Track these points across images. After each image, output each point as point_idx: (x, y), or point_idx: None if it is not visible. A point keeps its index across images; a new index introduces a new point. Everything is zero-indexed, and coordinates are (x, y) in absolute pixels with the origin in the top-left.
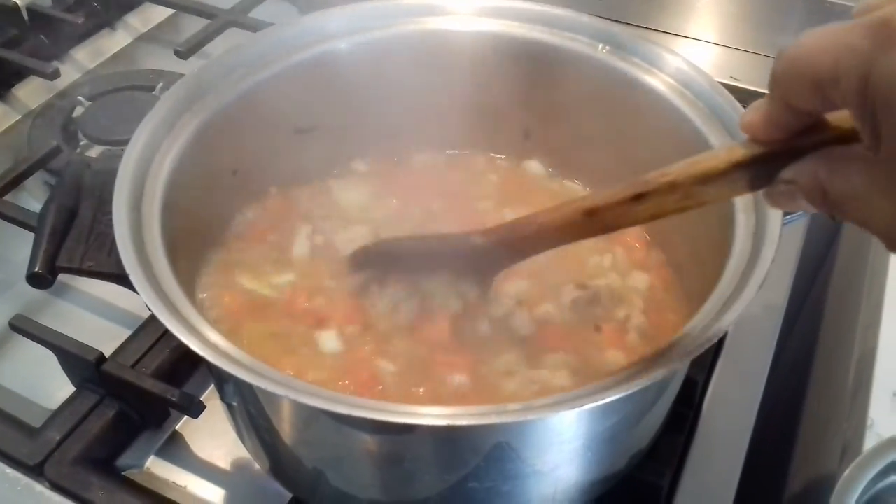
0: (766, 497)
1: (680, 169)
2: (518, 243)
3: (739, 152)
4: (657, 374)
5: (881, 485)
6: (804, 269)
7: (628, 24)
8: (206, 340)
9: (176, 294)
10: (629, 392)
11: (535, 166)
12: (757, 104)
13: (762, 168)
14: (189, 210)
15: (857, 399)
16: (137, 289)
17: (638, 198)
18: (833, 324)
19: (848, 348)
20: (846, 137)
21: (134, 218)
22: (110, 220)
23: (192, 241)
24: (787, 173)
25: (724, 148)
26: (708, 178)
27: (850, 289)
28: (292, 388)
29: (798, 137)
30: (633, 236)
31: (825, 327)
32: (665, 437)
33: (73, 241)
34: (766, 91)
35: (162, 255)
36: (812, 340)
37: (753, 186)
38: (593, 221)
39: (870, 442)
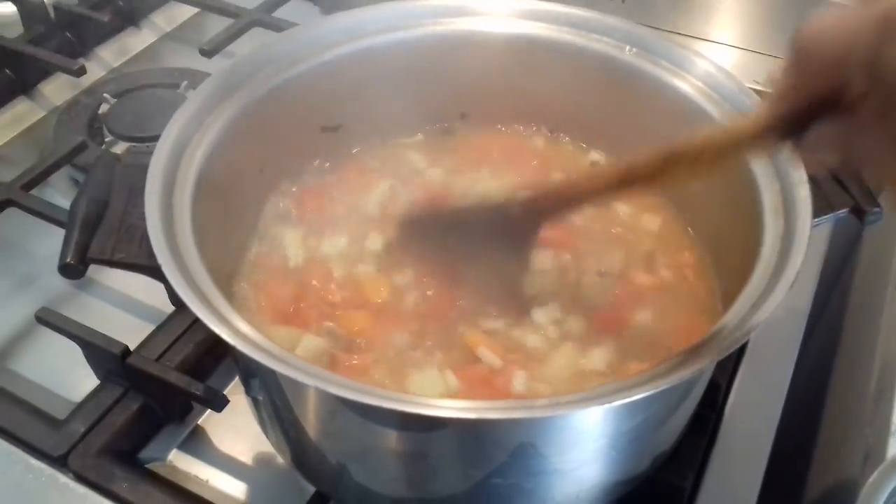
0: (786, 501)
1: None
2: (558, 206)
3: (768, 112)
4: (685, 373)
5: None
6: (827, 272)
7: (651, 27)
8: (236, 330)
9: (206, 284)
10: (657, 390)
11: None
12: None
13: (786, 127)
14: (218, 203)
15: (881, 405)
16: (169, 279)
17: (669, 161)
18: (855, 328)
19: (870, 353)
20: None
21: (165, 210)
22: (141, 212)
23: (222, 232)
24: (811, 133)
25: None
26: (741, 141)
27: (872, 293)
28: (322, 379)
29: (815, 103)
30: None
31: (847, 331)
32: (688, 440)
33: (104, 233)
34: None
35: (192, 245)
36: (834, 344)
37: (782, 139)
38: (629, 183)
39: (893, 448)
